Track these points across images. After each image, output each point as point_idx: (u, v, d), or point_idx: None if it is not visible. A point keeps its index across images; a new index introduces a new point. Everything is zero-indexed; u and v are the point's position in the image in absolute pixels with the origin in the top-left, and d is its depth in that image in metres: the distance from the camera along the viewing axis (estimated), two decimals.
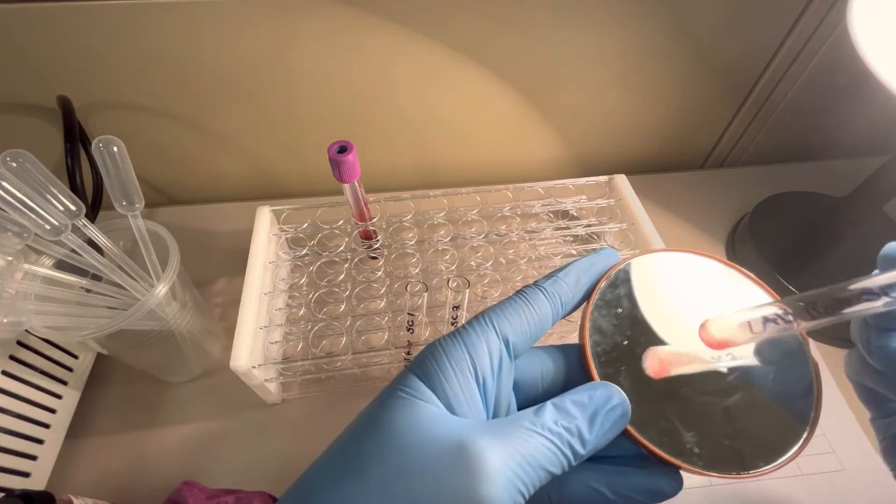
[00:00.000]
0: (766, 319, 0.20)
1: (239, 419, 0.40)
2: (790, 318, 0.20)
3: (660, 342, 0.22)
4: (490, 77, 0.48)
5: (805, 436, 0.20)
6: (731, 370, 0.21)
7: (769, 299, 0.23)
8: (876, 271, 0.20)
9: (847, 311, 0.19)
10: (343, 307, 0.39)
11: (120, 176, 0.33)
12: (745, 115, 0.56)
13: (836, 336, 0.44)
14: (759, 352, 0.22)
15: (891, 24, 0.32)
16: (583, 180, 0.46)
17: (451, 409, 0.19)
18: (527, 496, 0.17)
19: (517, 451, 0.17)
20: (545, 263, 0.42)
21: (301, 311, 0.40)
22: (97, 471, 0.37)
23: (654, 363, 0.20)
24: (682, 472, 0.20)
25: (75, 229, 0.32)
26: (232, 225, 0.52)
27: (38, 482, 0.34)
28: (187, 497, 0.32)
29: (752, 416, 0.21)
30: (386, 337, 0.39)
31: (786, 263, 0.46)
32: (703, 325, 0.20)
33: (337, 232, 0.43)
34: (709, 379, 0.21)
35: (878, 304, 0.19)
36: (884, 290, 0.18)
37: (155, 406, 0.40)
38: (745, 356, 0.22)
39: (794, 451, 0.20)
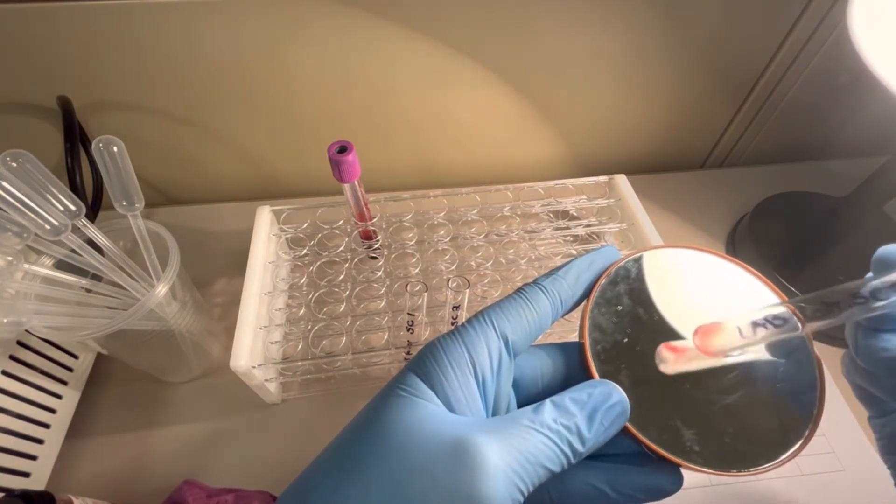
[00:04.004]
0: (755, 324, 0.20)
1: (239, 419, 0.40)
2: (780, 321, 0.20)
3: (660, 339, 0.21)
4: (490, 77, 0.48)
5: (807, 434, 0.20)
6: (733, 368, 0.21)
7: (771, 294, 0.23)
8: (869, 274, 0.19)
9: (838, 315, 0.19)
10: (343, 307, 0.39)
11: (120, 176, 0.33)
12: (745, 115, 0.56)
13: (838, 336, 0.44)
14: (760, 349, 0.21)
15: (891, 24, 0.32)
16: (583, 180, 0.46)
17: (450, 407, 0.19)
18: (525, 493, 0.17)
19: (516, 449, 0.17)
20: (545, 263, 0.42)
21: (301, 311, 0.40)
22: (97, 471, 0.37)
23: (669, 355, 0.20)
24: (682, 470, 0.20)
25: (75, 229, 0.32)
26: (232, 225, 0.52)
27: (38, 482, 0.34)
28: (188, 496, 0.32)
29: (753, 413, 0.20)
30: (386, 337, 0.39)
31: (786, 263, 0.46)
32: (695, 332, 0.20)
33: (337, 232, 0.43)
34: (709, 377, 0.21)
35: (868, 308, 0.18)
36: (873, 295, 0.18)
37: (155, 406, 0.40)
38: (752, 354, 0.21)
39: (795, 448, 0.20)
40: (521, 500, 0.17)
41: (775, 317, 0.20)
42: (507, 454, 0.17)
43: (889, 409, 0.22)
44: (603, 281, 0.22)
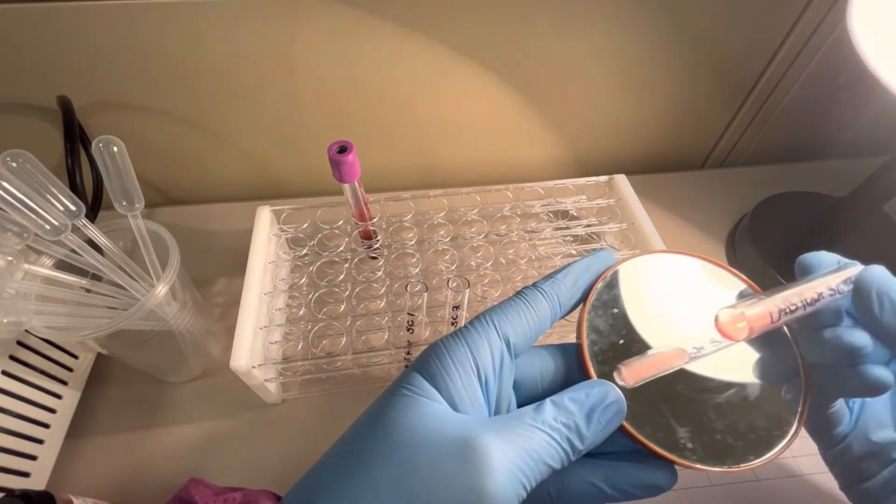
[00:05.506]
0: (781, 311, 0.20)
1: (239, 419, 0.40)
2: (793, 306, 0.21)
3: (653, 341, 0.22)
4: (490, 77, 0.48)
5: (794, 430, 0.21)
6: (721, 368, 0.22)
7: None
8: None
9: (813, 303, 0.21)
10: (343, 307, 0.39)
11: (120, 176, 0.33)
12: (745, 115, 0.56)
13: None
14: (747, 349, 0.22)
15: (891, 24, 0.32)
16: (583, 180, 0.46)
17: (454, 406, 0.19)
18: (528, 489, 0.18)
19: (519, 446, 0.18)
20: (545, 263, 0.42)
21: (301, 311, 0.40)
22: (97, 471, 0.37)
23: (624, 375, 0.21)
24: (676, 467, 0.21)
25: (75, 229, 0.32)
26: (232, 225, 0.52)
27: (38, 482, 0.34)
28: (195, 494, 0.32)
29: (744, 411, 0.21)
30: (386, 337, 0.39)
31: (786, 263, 0.46)
32: (717, 317, 0.21)
33: (337, 232, 0.43)
34: (701, 377, 0.22)
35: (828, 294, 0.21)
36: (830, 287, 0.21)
37: (155, 406, 0.40)
38: (740, 355, 0.22)
39: (783, 444, 0.21)
40: (525, 496, 0.18)
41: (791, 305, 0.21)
42: (511, 452, 0.17)
43: (838, 437, 0.24)
44: (599, 284, 0.23)
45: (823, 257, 0.23)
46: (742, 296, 0.23)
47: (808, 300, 0.21)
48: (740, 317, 0.20)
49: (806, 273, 0.22)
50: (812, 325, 0.22)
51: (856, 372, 0.21)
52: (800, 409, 0.21)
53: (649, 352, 0.21)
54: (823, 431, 0.24)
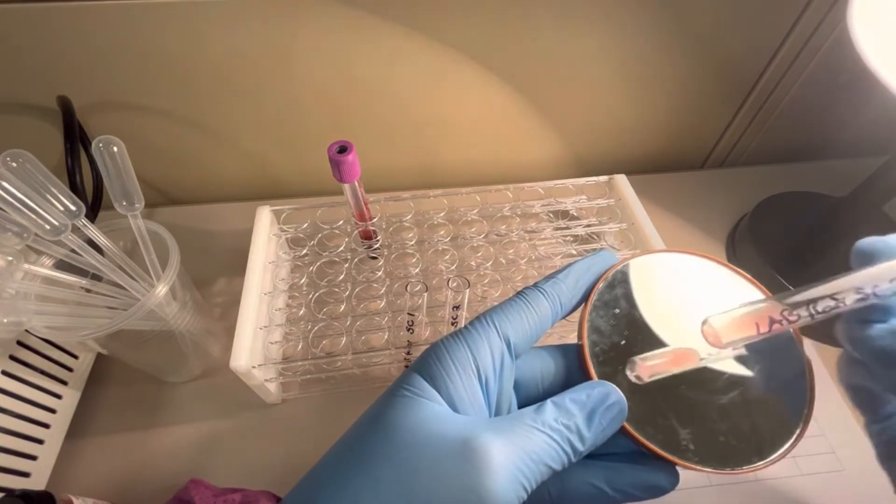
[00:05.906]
0: (772, 320, 0.20)
1: (239, 419, 0.40)
2: (794, 317, 0.20)
3: (655, 342, 0.22)
4: (490, 77, 0.48)
5: (798, 432, 0.21)
6: (725, 370, 0.21)
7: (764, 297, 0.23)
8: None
9: (829, 311, 0.20)
10: (343, 307, 0.39)
11: (120, 176, 0.33)
12: (745, 115, 0.56)
13: (834, 335, 0.44)
14: (751, 350, 0.22)
15: (891, 24, 0.32)
16: (583, 180, 0.46)
17: (454, 407, 0.19)
18: (529, 490, 0.18)
19: (520, 447, 0.18)
20: (545, 263, 0.42)
21: (301, 311, 0.40)
22: (97, 471, 0.37)
23: (637, 370, 0.21)
24: (678, 468, 0.20)
25: (75, 229, 0.32)
26: (232, 225, 0.52)
27: (38, 482, 0.34)
28: (194, 495, 0.32)
29: (747, 413, 0.21)
30: (386, 337, 0.39)
31: (786, 263, 0.46)
32: (705, 322, 0.21)
33: (337, 232, 0.43)
34: (704, 378, 0.21)
35: (856, 301, 0.19)
36: (859, 290, 0.19)
37: (155, 406, 0.40)
38: (744, 355, 0.22)
39: (787, 447, 0.20)
40: (525, 497, 0.18)
41: (790, 312, 0.20)
42: (511, 453, 0.17)
43: (885, 413, 0.23)
44: (601, 285, 0.23)
45: (888, 244, 0.20)
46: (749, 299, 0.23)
47: (818, 310, 0.19)
48: (724, 328, 0.20)
49: (863, 263, 0.20)
50: (853, 316, 0.20)
51: (890, 372, 0.20)
52: (804, 412, 0.21)
53: (666, 348, 0.21)
54: (870, 404, 0.23)
